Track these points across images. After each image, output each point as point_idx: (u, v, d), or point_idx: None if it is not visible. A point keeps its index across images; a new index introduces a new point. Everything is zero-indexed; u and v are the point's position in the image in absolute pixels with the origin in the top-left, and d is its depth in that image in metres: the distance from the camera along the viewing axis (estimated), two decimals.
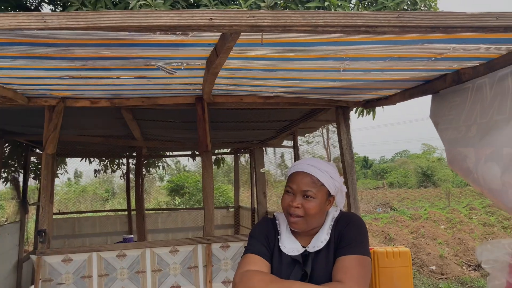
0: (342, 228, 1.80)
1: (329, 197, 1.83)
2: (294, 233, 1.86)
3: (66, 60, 2.10)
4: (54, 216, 8.60)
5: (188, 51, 2.00)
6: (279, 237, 1.85)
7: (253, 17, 1.43)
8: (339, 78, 2.72)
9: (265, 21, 1.44)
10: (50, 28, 1.32)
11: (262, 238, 1.85)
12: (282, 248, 1.80)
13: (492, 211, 16.45)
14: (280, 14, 1.45)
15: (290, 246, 1.81)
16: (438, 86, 2.71)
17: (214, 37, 1.78)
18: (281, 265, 1.79)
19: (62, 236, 7.70)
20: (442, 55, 2.16)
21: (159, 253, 3.52)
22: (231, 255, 3.62)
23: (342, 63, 2.26)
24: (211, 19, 1.41)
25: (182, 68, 2.30)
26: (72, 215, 9.43)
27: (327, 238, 1.80)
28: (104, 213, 10.58)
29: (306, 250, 1.80)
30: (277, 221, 1.95)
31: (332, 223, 1.85)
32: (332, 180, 1.82)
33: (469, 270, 8.74)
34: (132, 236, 5.88)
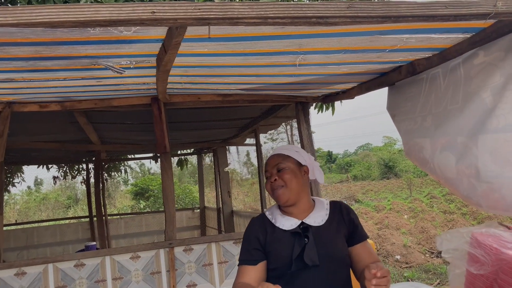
0: (348, 215, 1.97)
1: (301, 167, 1.98)
2: (287, 213, 1.95)
3: (3, 62, 1.96)
4: (10, 227, 8.23)
5: (135, 48, 1.90)
6: (273, 221, 1.94)
7: (199, 9, 1.36)
8: (296, 73, 2.68)
9: (212, 13, 1.37)
10: None
11: (248, 241, 1.94)
12: (281, 226, 1.90)
13: (452, 199, 16.98)
14: (227, 6, 1.39)
15: (287, 223, 1.91)
16: (394, 78, 2.72)
17: (161, 32, 1.69)
18: (284, 242, 1.86)
19: (19, 248, 7.36)
20: (396, 46, 2.15)
21: (119, 260, 3.39)
22: (195, 258, 3.54)
23: (297, 57, 2.22)
24: (154, 12, 1.33)
25: (132, 67, 2.20)
26: (32, 225, 9.05)
27: (326, 218, 1.94)
28: (66, 221, 10.22)
29: (303, 223, 1.90)
30: (267, 213, 2.02)
31: (328, 206, 1.99)
32: (297, 153, 2.00)
33: (432, 258, 8.97)
34: (94, 243, 5.67)
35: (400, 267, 8.32)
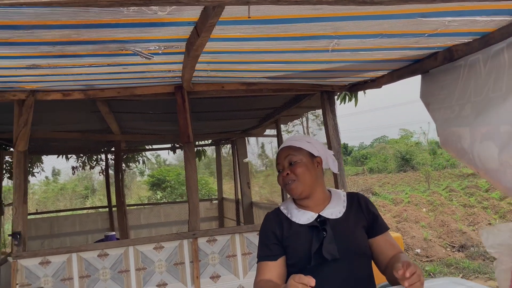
0: (367, 206, 1.91)
1: (314, 158, 1.91)
2: (303, 206, 1.89)
3: (30, 46, 1.91)
4: (31, 217, 8.32)
5: (166, 31, 1.83)
6: (289, 216, 1.88)
7: None
8: (326, 60, 2.59)
9: None
10: (5, 4, 1.15)
11: (266, 236, 1.88)
12: (297, 221, 1.84)
13: (471, 192, 16.71)
14: None
15: (303, 217, 1.85)
16: (429, 65, 2.60)
17: (195, 14, 1.62)
18: (301, 237, 1.81)
19: (40, 236, 7.43)
20: (436, 31, 2.05)
21: (143, 250, 3.36)
22: (218, 249, 3.49)
23: (332, 42, 2.13)
24: None
25: (160, 52, 2.13)
26: (51, 215, 9.13)
27: (343, 210, 1.87)
28: (84, 211, 10.31)
29: (320, 216, 1.84)
30: (281, 207, 1.95)
31: (345, 198, 1.93)
32: (309, 144, 1.92)
33: (453, 252, 8.82)
34: (114, 233, 5.68)
35: (421, 260, 8.20)
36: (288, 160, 1.87)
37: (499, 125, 2.12)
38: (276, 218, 1.91)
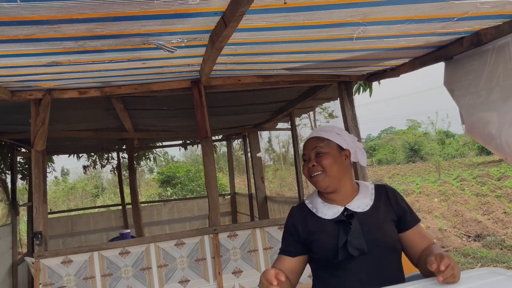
0: (396, 199, 1.84)
1: (343, 151, 1.86)
2: (329, 199, 1.84)
3: (53, 42, 1.87)
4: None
5: (191, 23, 1.79)
6: (314, 210, 1.83)
7: None
8: (348, 49, 2.53)
9: None
10: None
11: (289, 233, 1.85)
12: (323, 216, 1.79)
13: (483, 181, 16.57)
14: None
15: (329, 211, 1.80)
16: (454, 51, 2.54)
17: (223, 3, 1.57)
18: (327, 231, 1.76)
19: (57, 236, 7.45)
20: (466, 14, 1.99)
21: (164, 247, 3.34)
22: (239, 244, 3.46)
23: (358, 29, 2.08)
24: None
25: (183, 45, 2.09)
26: (64, 214, 9.17)
27: (371, 203, 1.81)
28: (97, 209, 10.33)
29: (346, 209, 1.79)
30: (306, 201, 1.90)
31: (373, 191, 1.87)
32: (339, 136, 1.87)
33: (469, 241, 8.74)
34: (129, 231, 5.68)
35: None
36: (315, 151, 1.82)
37: None
38: (300, 213, 1.86)
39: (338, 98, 3.84)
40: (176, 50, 2.10)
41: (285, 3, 1.33)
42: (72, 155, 8.46)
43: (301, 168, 1.89)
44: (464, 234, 9.14)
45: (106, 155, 9.60)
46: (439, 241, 8.58)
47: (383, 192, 1.86)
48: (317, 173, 1.79)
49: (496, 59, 2.32)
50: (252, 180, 7.44)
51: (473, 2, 1.85)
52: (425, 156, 32.81)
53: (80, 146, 7.51)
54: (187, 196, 16.64)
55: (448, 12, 1.96)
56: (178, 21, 1.76)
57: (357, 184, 1.91)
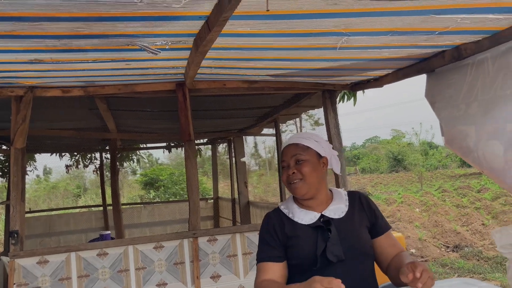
0: (369, 205, 1.89)
1: (321, 159, 1.87)
2: (305, 205, 1.84)
3: (35, 40, 1.86)
4: (25, 215, 8.22)
5: (176, 26, 1.80)
6: (290, 215, 1.83)
7: None
8: (332, 58, 2.56)
9: None
10: None
11: (269, 237, 1.81)
12: (300, 221, 1.80)
13: (464, 193, 16.82)
14: None
15: (306, 217, 1.81)
16: (436, 63, 2.59)
17: (208, 8, 1.58)
18: (306, 238, 1.77)
19: (35, 235, 7.33)
20: (447, 28, 2.03)
21: (142, 249, 3.31)
22: (219, 248, 3.45)
23: (341, 39, 2.10)
24: None
25: (167, 47, 2.09)
26: (44, 213, 9.03)
27: (346, 209, 1.84)
28: (78, 210, 10.21)
29: (323, 215, 1.80)
30: (281, 207, 1.90)
31: (346, 197, 1.89)
32: (317, 143, 1.87)
33: (448, 252, 8.85)
34: (109, 232, 5.63)
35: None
36: (295, 158, 1.82)
37: (505, 124, 2.11)
38: (277, 217, 1.85)
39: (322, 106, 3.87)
40: (160, 52, 2.10)
41: (267, 10, 1.34)
42: (54, 154, 8.36)
43: (281, 175, 1.89)
44: (443, 245, 9.25)
45: (89, 155, 9.50)
46: (418, 251, 8.67)
47: (357, 199, 1.89)
48: (296, 180, 1.79)
49: (475, 73, 2.37)
50: (236, 185, 7.44)
51: (454, 17, 1.89)
52: (408, 166, 33.18)
53: (63, 145, 7.43)
54: (170, 199, 16.52)
55: (430, 26, 2.00)
56: (163, 24, 1.76)
57: (330, 191, 1.92)
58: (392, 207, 14.65)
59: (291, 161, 1.82)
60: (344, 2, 1.57)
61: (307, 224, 1.78)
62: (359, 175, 32.89)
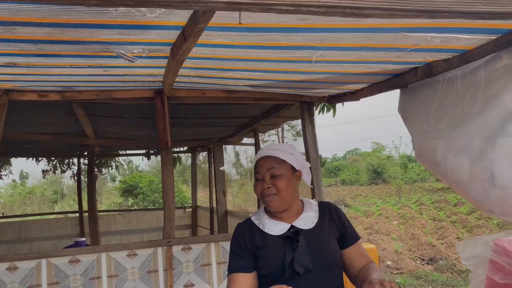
0: (338, 216, 1.91)
1: (295, 172, 1.88)
2: (276, 217, 1.85)
3: (10, 44, 1.85)
4: None
5: (152, 35, 1.81)
6: (261, 226, 1.83)
7: None
8: (309, 71, 2.61)
9: None
10: None
11: (239, 248, 1.82)
12: (270, 232, 1.81)
13: (441, 207, 17.10)
14: None
15: (276, 228, 1.82)
16: (408, 79, 2.66)
17: (183, 18, 1.61)
18: (275, 248, 1.78)
19: (6, 241, 7.17)
20: (418, 46, 2.09)
21: (115, 257, 3.29)
22: (193, 257, 3.44)
23: (316, 53, 2.15)
24: None
25: (144, 55, 2.10)
26: (18, 219, 8.85)
27: (316, 220, 1.86)
28: (53, 216, 10.04)
29: (293, 226, 1.82)
30: (252, 218, 1.91)
31: (317, 208, 1.92)
32: (293, 156, 1.87)
33: (423, 264, 8.97)
34: (84, 239, 5.54)
35: (391, 273, 8.30)
36: (270, 172, 1.81)
37: (472, 140, 2.18)
38: (248, 228, 1.86)
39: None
40: (137, 60, 2.11)
41: (240, 23, 1.37)
42: (31, 158, 8.23)
43: (254, 187, 1.87)
44: (418, 257, 9.37)
45: (66, 161, 9.38)
46: (394, 263, 8.76)
47: (327, 210, 1.92)
48: (270, 195, 1.79)
49: (445, 90, 2.44)
50: (214, 194, 7.42)
51: (423, 36, 1.95)
52: (387, 179, 33.59)
53: (40, 150, 7.32)
54: (149, 207, 16.36)
55: (401, 43, 2.06)
56: (139, 32, 1.77)
57: (302, 201, 1.94)
58: (371, 219, 14.81)
59: (266, 174, 1.82)
60: (316, 19, 1.61)
61: (277, 235, 1.80)
62: (339, 187, 33.14)
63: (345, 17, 1.44)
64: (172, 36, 1.84)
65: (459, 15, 1.51)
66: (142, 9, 1.33)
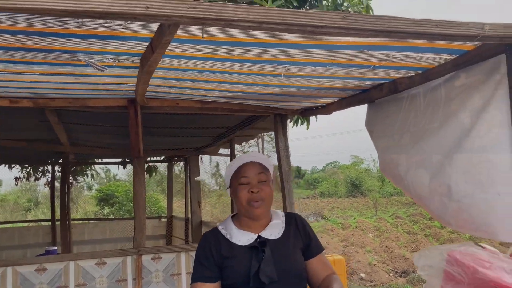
0: (304, 227, 1.95)
1: (272, 183, 1.92)
2: (244, 226, 1.88)
3: None
4: None
5: (121, 45, 1.85)
6: (228, 236, 1.85)
7: (194, 8, 1.33)
8: (279, 84, 2.67)
9: (208, 13, 1.34)
10: None
11: (204, 257, 1.83)
12: (237, 242, 1.82)
13: (416, 220, 17.36)
14: (223, 8, 1.36)
15: (243, 238, 1.84)
16: (375, 95, 2.75)
17: (150, 30, 1.65)
18: (241, 258, 1.79)
19: None
20: (381, 63, 2.18)
21: (84, 266, 3.26)
22: (163, 267, 3.44)
23: (284, 67, 2.21)
24: (148, 7, 1.29)
25: (114, 65, 2.13)
26: None
27: (282, 230, 1.89)
28: (26, 224, 9.85)
29: (260, 236, 1.84)
30: (220, 227, 1.93)
31: (283, 219, 1.95)
32: (271, 166, 1.93)
33: (396, 277, 9.08)
34: (55, 248, 5.47)
35: (365, 285, 8.38)
36: (259, 177, 1.83)
37: (431, 155, 2.27)
38: (214, 238, 1.87)
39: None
40: (107, 69, 2.14)
41: (202, 37, 1.42)
42: (3, 165, 8.09)
43: (239, 193, 1.82)
44: (392, 270, 9.49)
45: (41, 168, 9.24)
46: (368, 275, 8.85)
47: (293, 220, 1.96)
48: (259, 201, 1.80)
49: (409, 106, 2.53)
50: (189, 204, 7.41)
51: (386, 53, 2.03)
52: (365, 192, 33.90)
53: (12, 156, 7.20)
54: (124, 217, 16.15)
55: (365, 60, 2.14)
56: (107, 42, 1.81)
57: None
58: (347, 232, 14.94)
59: (255, 179, 1.83)
60: (282, 35, 1.67)
61: (244, 245, 1.82)
62: (318, 199, 33.31)
63: (306, 34, 1.51)
64: (141, 47, 1.88)
65: (413, 36, 1.59)
66: (108, 20, 1.37)
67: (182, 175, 11.02)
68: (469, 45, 1.92)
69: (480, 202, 1.92)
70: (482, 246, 1.84)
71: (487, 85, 1.98)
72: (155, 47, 1.71)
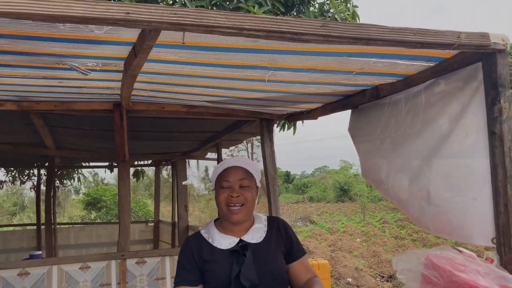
0: (286, 231, 1.96)
1: (256, 188, 1.95)
2: (226, 230, 1.89)
3: None
4: None
5: (104, 49, 1.86)
6: (210, 240, 1.86)
7: (175, 14, 1.35)
8: (263, 89, 2.70)
9: (188, 19, 1.37)
10: None
11: (187, 261, 1.84)
12: (219, 246, 1.84)
13: (403, 225, 17.47)
14: (204, 14, 1.39)
15: (225, 241, 1.85)
16: (358, 101, 2.79)
17: (133, 35, 1.66)
18: (222, 262, 1.81)
19: None
20: (363, 69, 2.21)
21: (67, 270, 3.24)
22: (147, 271, 3.43)
23: (268, 72, 2.24)
24: (128, 13, 1.31)
25: (98, 69, 2.14)
26: None
27: (264, 234, 1.91)
28: (11, 228, 9.72)
29: (242, 240, 1.85)
30: (202, 231, 1.94)
31: (266, 222, 1.97)
32: (257, 173, 1.95)
33: (382, 281, 9.14)
34: (40, 252, 5.43)
35: None
36: (241, 183, 1.85)
37: (411, 159, 2.31)
38: (196, 241, 1.88)
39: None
40: (90, 73, 2.14)
41: (183, 43, 1.44)
42: None
43: (219, 196, 1.85)
44: (378, 274, 9.55)
45: (27, 171, 9.15)
46: (355, 280, 8.90)
47: (275, 224, 1.97)
48: (237, 205, 1.82)
49: (391, 112, 2.57)
50: (176, 208, 7.39)
51: (367, 60, 2.07)
52: (353, 197, 33.99)
53: None
54: (112, 221, 16.03)
55: (347, 67, 2.17)
56: (90, 46, 1.82)
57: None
58: (335, 236, 14.98)
59: (237, 184, 1.85)
60: (264, 41, 1.69)
61: (225, 249, 1.83)
62: (306, 203, 33.35)
63: (285, 41, 1.54)
64: (124, 51, 1.89)
65: (392, 44, 1.63)
66: (90, 25, 1.38)
67: (170, 179, 11.00)
68: (447, 53, 1.96)
69: (457, 206, 1.96)
70: (459, 250, 1.87)
71: (465, 92, 2.03)
72: (138, 52, 1.73)
